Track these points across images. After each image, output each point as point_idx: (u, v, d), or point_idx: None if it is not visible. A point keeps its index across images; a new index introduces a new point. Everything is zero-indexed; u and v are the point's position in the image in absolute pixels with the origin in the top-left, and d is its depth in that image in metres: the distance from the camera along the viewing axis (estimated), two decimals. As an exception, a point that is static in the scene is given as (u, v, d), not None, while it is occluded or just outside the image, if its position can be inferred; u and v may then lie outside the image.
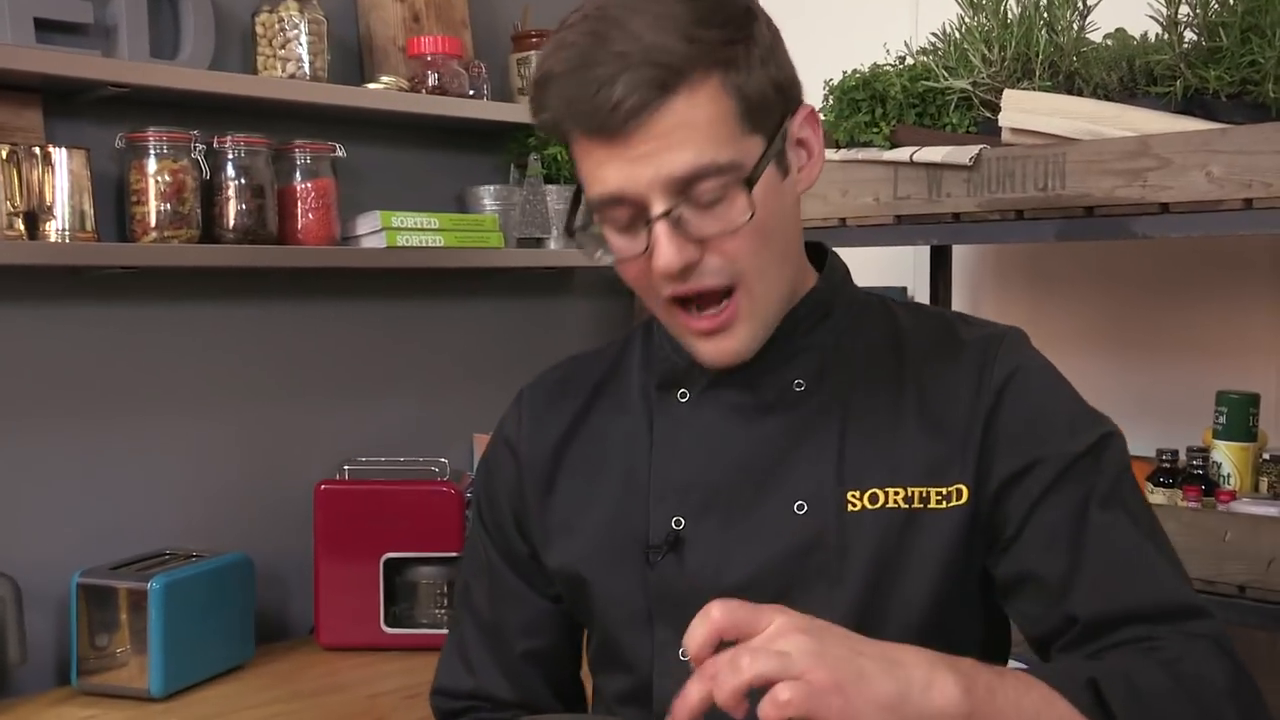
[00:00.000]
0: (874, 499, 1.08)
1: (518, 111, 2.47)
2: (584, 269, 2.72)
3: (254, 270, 2.25)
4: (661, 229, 1.01)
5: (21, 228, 1.90)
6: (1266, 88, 1.54)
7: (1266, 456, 1.67)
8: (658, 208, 1.01)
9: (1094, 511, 1.05)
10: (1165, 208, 1.58)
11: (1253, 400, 1.67)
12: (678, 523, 1.12)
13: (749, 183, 1.02)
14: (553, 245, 2.56)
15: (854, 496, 1.08)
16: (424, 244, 2.32)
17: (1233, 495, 1.61)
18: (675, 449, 1.14)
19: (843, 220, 1.90)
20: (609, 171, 1.02)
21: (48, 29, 1.98)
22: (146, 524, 2.17)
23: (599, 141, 1.01)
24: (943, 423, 1.09)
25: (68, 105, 2.04)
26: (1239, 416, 1.66)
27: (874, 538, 1.07)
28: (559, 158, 2.54)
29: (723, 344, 1.08)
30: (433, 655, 2.13)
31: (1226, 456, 1.66)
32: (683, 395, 1.15)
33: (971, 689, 0.86)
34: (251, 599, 2.16)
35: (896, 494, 1.08)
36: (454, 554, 2.23)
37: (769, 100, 1.04)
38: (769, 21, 1.08)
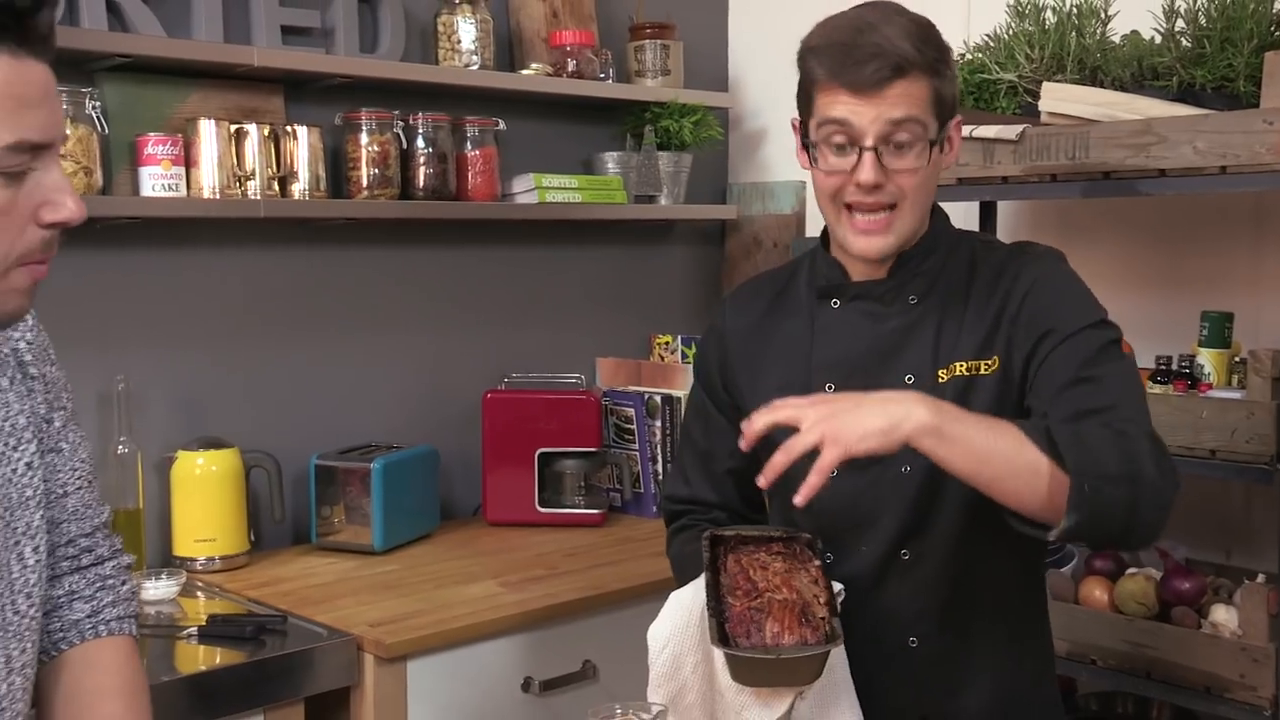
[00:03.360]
0: (950, 371, 1.52)
1: (636, 91, 2.92)
2: (684, 222, 3.17)
3: (438, 221, 2.72)
4: (868, 156, 1.46)
5: (276, 188, 2.40)
6: (1238, 84, 1.98)
7: (1238, 359, 2.10)
8: (868, 141, 1.46)
9: (1080, 368, 1.44)
10: (1162, 173, 1.99)
11: (1227, 317, 2.10)
12: (829, 387, 1.56)
13: (933, 142, 1.47)
14: (662, 201, 2.97)
15: (942, 373, 1.54)
16: (566, 200, 2.79)
17: (1210, 386, 2.07)
18: (829, 338, 1.58)
19: (915, 182, 2.35)
20: (840, 108, 1.46)
21: (287, 33, 2.45)
22: (355, 421, 2.66)
23: (845, 89, 1.45)
24: (988, 318, 1.52)
25: (300, 91, 2.52)
26: (1217, 329, 2.10)
27: (951, 397, 1.52)
28: (669, 129, 2.94)
29: (874, 241, 1.51)
30: (576, 529, 2.68)
31: (1208, 359, 2.09)
32: (835, 303, 1.59)
33: (940, 413, 1.32)
34: (436, 482, 2.66)
35: (962, 366, 1.52)
36: (593, 449, 2.72)
37: (947, 104, 1.50)
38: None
